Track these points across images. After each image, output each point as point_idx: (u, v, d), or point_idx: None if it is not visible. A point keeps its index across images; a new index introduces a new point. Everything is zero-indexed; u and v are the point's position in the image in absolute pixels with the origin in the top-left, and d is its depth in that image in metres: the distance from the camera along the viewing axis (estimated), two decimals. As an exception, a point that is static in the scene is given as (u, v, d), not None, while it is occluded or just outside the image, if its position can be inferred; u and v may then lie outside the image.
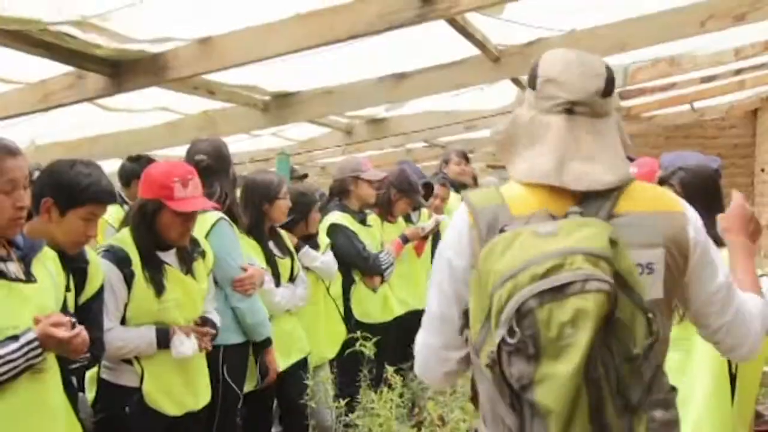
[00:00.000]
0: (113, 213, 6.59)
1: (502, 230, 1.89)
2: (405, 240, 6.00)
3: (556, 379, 1.75)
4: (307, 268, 4.95)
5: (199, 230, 3.93)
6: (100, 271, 3.36)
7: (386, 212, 6.05)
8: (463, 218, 2.04)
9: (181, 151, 7.26)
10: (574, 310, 1.74)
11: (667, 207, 2.03)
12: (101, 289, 3.34)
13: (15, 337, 2.59)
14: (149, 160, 6.35)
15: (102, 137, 6.24)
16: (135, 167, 6.32)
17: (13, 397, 2.63)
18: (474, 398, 2.09)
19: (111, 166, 7.08)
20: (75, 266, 3.14)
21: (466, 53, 5.54)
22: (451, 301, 2.06)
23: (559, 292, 1.75)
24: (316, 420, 4.81)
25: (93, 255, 3.35)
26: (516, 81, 6.64)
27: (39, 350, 2.62)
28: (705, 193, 2.99)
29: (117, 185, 6.38)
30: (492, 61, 5.53)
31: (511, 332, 1.76)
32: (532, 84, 2.08)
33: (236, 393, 4.21)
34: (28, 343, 2.60)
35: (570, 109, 2.01)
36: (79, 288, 3.18)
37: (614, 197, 1.97)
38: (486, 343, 1.87)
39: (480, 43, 5.12)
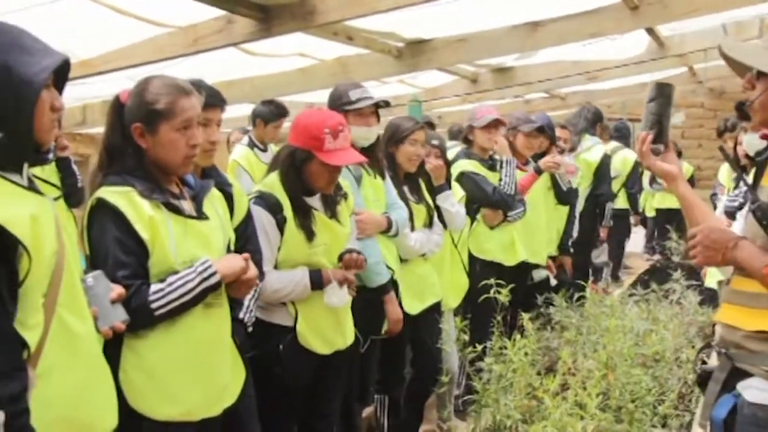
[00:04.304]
0: (243, 155, 6.78)
1: None
2: (538, 171, 6.00)
3: None
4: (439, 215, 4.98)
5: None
6: (244, 194, 3.51)
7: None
8: None
9: (311, 97, 7.41)
10: None
11: None
12: (249, 211, 3.48)
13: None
14: (278, 107, 6.50)
15: (237, 81, 6.36)
16: (262, 109, 6.48)
17: (188, 331, 2.78)
18: None
19: (244, 110, 7.26)
20: (223, 191, 3.23)
21: (604, 1, 5.46)
22: None
23: None
24: (449, 364, 4.88)
25: (232, 179, 3.47)
26: (650, 31, 6.52)
27: (213, 270, 2.75)
28: None
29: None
30: (630, 9, 5.43)
31: None
32: None
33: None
34: (202, 263, 2.74)
35: None
36: (231, 213, 3.28)
37: None
38: None
39: (620, -10, 5.06)
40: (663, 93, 2.86)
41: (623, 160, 10.20)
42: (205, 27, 4.49)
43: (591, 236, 8.05)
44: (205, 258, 2.77)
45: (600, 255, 8.79)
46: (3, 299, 2.01)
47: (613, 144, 10.51)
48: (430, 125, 6.96)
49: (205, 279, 2.74)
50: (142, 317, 2.65)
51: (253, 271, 2.91)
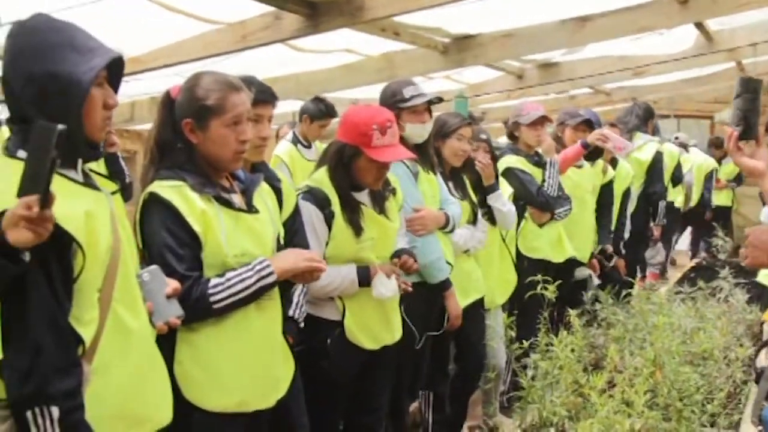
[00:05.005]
0: (286, 150, 6.81)
1: None
2: (585, 145, 5.95)
3: None
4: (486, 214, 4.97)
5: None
6: (292, 189, 3.55)
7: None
8: None
9: (357, 93, 7.43)
10: None
11: None
12: (297, 206, 3.51)
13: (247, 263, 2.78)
14: (327, 107, 6.52)
15: (283, 78, 6.39)
16: (310, 106, 6.50)
17: (242, 324, 2.81)
18: None
19: (289, 106, 7.30)
20: (272, 185, 3.26)
21: (653, -6, 5.44)
22: None
23: None
24: (496, 360, 4.86)
25: (280, 174, 3.50)
26: (699, 25, 6.45)
27: (269, 269, 2.78)
28: None
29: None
30: (679, 4, 5.38)
31: None
32: None
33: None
34: (260, 263, 2.78)
35: None
36: (279, 208, 3.31)
37: None
38: None
39: (669, -17, 5.02)
40: (749, 88, 2.83)
41: (670, 154, 10.14)
42: (253, 23, 4.52)
43: (642, 235, 7.99)
44: (262, 257, 2.81)
45: (656, 255, 8.72)
46: (57, 295, 2.04)
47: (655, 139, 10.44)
48: (473, 119, 6.94)
49: (263, 278, 2.78)
50: (202, 309, 2.69)
51: (316, 260, 2.94)
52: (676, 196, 10.61)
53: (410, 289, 3.84)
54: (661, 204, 8.10)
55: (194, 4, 4.44)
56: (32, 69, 2.10)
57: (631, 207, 7.20)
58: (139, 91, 6.51)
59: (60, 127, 1.88)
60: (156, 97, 6.57)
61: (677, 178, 10.37)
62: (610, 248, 6.61)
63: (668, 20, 5.62)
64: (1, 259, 1.88)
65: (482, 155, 4.91)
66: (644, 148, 7.82)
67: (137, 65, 5.10)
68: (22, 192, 1.86)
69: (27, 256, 1.93)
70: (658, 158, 7.88)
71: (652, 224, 8.35)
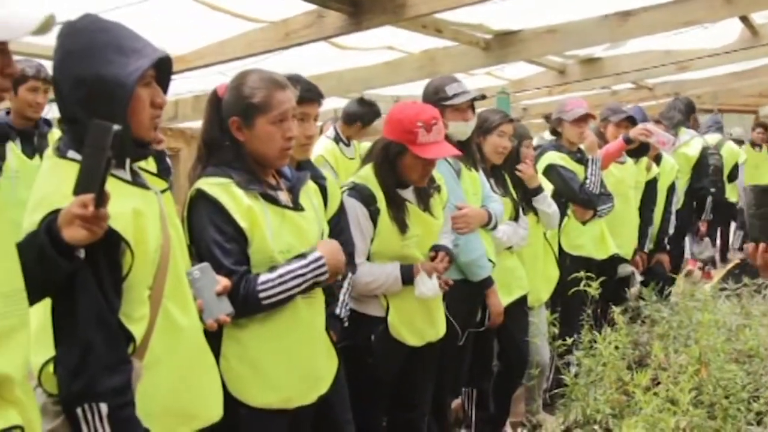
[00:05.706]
0: (330, 149, 6.81)
1: None
2: (627, 140, 5.89)
3: None
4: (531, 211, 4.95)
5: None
6: (337, 187, 3.56)
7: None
8: None
9: (399, 90, 7.44)
10: None
11: None
12: (342, 204, 3.53)
13: (302, 256, 2.80)
14: (375, 109, 6.50)
15: (325, 75, 6.41)
16: (360, 111, 6.48)
17: (287, 320, 2.84)
18: None
19: (331, 104, 7.32)
20: (317, 183, 3.28)
21: (697, -11, 5.38)
22: None
23: None
24: (540, 357, 4.86)
25: (326, 172, 3.52)
26: (743, 18, 6.38)
27: (324, 268, 2.81)
28: None
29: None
30: (724, -2, 5.33)
31: None
32: None
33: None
34: (316, 260, 2.80)
35: None
36: (324, 205, 3.33)
37: None
38: None
39: (713, -22, 4.98)
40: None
41: (730, 151, 10.03)
42: (296, 22, 4.55)
43: (686, 230, 7.92)
44: (318, 254, 2.83)
45: (704, 250, 8.63)
46: (106, 293, 2.07)
47: (717, 136, 10.26)
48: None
49: (318, 276, 2.81)
50: (251, 305, 2.71)
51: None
52: (732, 191, 10.47)
53: (448, 286, 3.84)
54: (708, 199, 8.02)
55: (238, 3, 4.47)
56: (79, 71, 2.12)
57: (678, 203, 7.15)
58: (184, 89, 6.56)
59: (116, 127, 1.90)
60: (200, 95, 6.65)
61: (734, 176, 10.25)
62: (642, 256, 6.56)
63: (712, 14, 5.56)
64: (56, 256, 1.91)
65: (525, 163, 4.88)
66: (690, 143, 7.75)
67: (181, 64, 5.15)
68: (77, 190, 1.89)
69: (81, 254, 1.96)
70: (704, 154, 7.81)
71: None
